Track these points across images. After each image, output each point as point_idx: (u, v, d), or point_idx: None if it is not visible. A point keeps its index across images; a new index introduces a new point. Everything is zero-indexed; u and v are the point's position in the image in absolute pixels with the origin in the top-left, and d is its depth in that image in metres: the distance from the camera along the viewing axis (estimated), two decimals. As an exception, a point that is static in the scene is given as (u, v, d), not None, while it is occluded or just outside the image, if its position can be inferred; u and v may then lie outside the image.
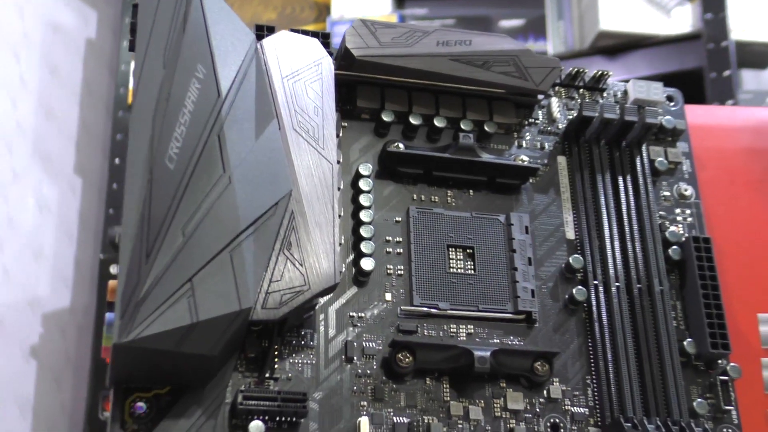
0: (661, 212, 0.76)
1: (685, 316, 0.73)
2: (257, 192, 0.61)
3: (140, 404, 0.60)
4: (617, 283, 0.71)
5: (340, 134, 0.72)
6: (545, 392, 0.68)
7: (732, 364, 0.71)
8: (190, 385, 0.60)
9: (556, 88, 0.80)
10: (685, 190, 0.77)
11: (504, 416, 0.66)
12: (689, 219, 0.77)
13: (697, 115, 0.84)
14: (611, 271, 0.72)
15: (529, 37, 1.61)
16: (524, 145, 0.76)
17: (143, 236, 0.57)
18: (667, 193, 0.77)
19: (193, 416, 0.59)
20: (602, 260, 0.72)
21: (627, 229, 0.73)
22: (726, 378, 0.70)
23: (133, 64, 0.64)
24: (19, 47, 1.33)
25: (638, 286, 0.71)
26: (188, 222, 0.58)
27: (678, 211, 0.77)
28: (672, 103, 0.81)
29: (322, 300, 0.66)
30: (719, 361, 0.71)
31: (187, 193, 0.59)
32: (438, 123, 0.74)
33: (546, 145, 0.77)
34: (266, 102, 0.65)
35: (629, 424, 0.65)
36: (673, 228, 0.75)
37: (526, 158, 0.75)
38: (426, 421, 0.64)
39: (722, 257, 0.79)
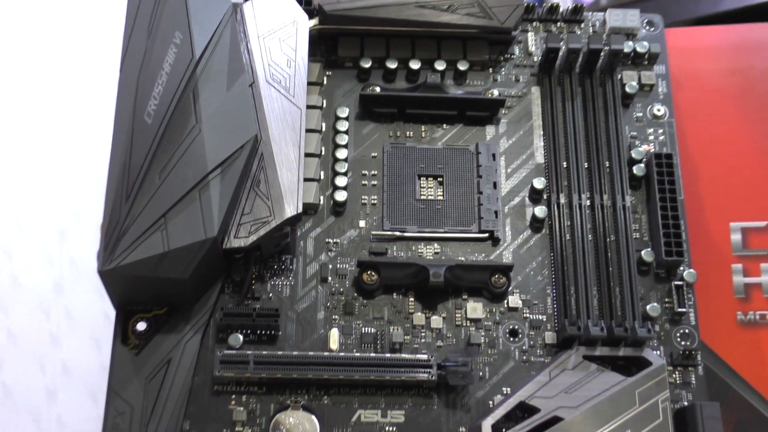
0: (633, 133, 0.81)
1: (650, 228, 0.77)
2: (224, 138, 0.70)
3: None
4: (580, 201, 0.77)
5: (324, 82, 0.81)
6: (506, 302, 0.74)
7: (689, 270, 0.75)
8: (180, 306, 0.71)
9: (534, 23, 0.85)
10: (658, 110, 0.82)
11: (465, 324, 0.74)
12: (661, 137, 0.81)
13: (679, 37, 0.87)
14: (575, 189, 0.77)
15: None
16: (499, 79, 0.83)
17: (125, 181, 0.68)
18: (640, 114, 0.82)
19: (183, 331, 0.70)
20: (568, 179, 0.78)
21: (594, 149, 0.79)
22: (681, 283, 0.75)
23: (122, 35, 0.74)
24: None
25: (601, 202, 0.77)
26: (164, 168, 0.68)
27: (650, 130, 0.81)
28: (651, 28, 0.85)
29: (303, 228, 0.76)
30: (680, 269, 0.76)
31: (163, 142, 0.69)
32: (413, 65, 0.81)
33: (521, 78, 0.83)
34: (238, 59, 0.74)
35: (573, 326, 0.71)
36: (642, 147, 0.80)
37: (496, 91, 0.81)
38: (391, 330, 0.73)
39: (696, 172, 0.83)
